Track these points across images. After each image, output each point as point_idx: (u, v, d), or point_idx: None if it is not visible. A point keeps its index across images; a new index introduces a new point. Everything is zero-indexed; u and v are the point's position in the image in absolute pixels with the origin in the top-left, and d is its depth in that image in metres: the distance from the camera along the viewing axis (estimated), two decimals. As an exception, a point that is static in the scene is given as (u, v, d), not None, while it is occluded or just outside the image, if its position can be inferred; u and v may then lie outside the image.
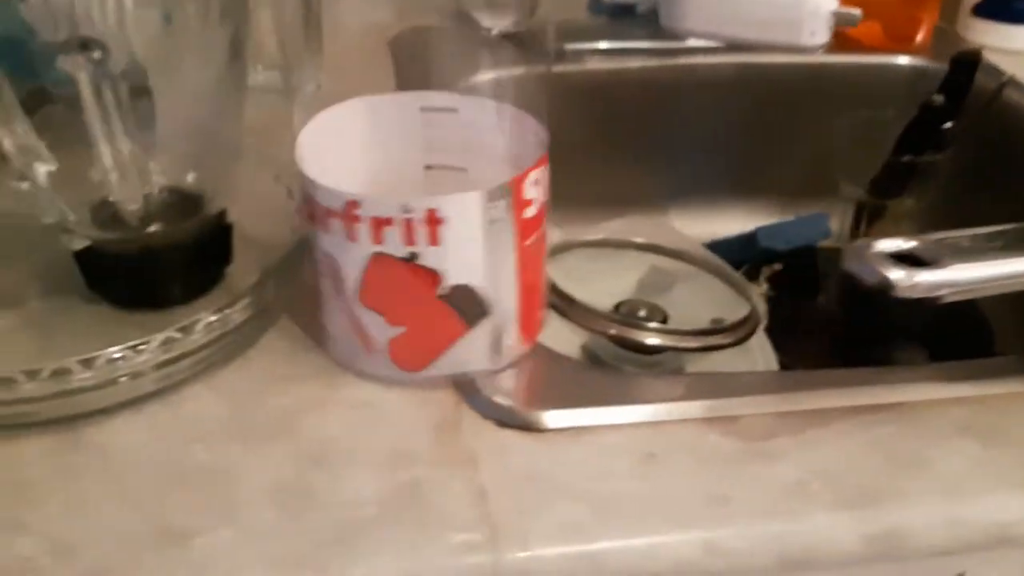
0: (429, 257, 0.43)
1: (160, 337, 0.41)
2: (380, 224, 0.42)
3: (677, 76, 0.81)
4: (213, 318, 0.43)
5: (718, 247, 0.74)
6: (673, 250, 0.70)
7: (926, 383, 0.47)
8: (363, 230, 0.42)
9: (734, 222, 0.83)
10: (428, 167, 0.50)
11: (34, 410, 0.42)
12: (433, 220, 0.42)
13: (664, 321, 0.64)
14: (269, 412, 0.45)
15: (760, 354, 0.67)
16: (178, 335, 0.42)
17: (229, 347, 0.47)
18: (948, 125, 0.73)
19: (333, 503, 0.41)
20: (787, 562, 0.41)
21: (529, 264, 0.46)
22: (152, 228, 0.48)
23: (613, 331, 0.59)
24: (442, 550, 0.39)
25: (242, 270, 0.53)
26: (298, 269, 0.49)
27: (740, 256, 0.76)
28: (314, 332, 0.49)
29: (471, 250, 0.43)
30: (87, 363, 0.41)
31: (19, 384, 0.40)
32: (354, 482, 0.42)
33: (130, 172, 0.44)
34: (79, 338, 0.49)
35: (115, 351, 0.41)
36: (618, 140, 0.81)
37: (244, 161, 0.52)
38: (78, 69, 0.39)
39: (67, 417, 0.44)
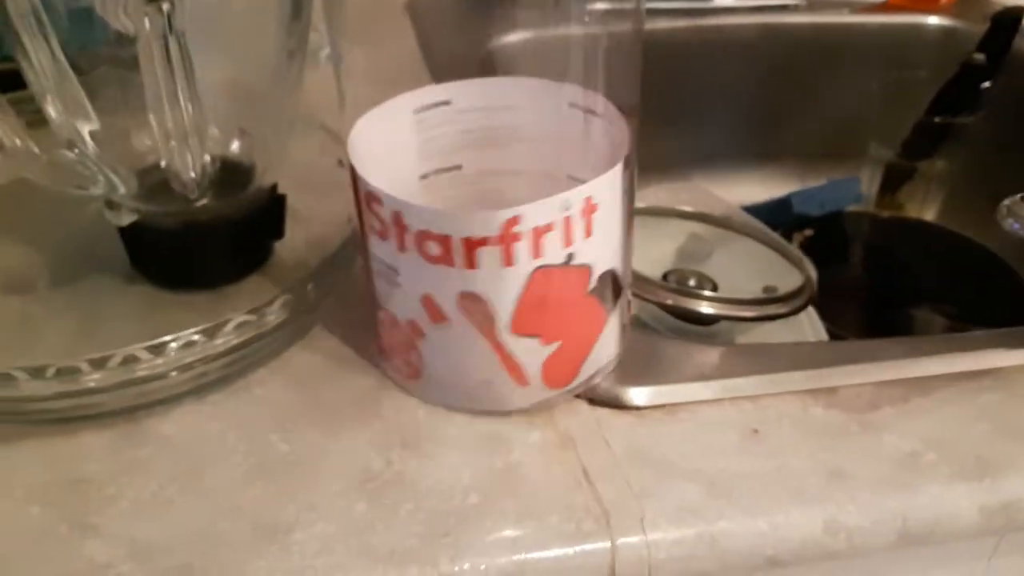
0: (584, 253, 0.38)
1: (237, 319, 0.38)
2: (540, 234, 0.36)
3: (703, 37, 0.78)
4: (285, 297, 0.40)
5: (749, 213, 0.72)
6: (713, 216, 0.68)
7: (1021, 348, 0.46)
8: (522, 248, 0.36)
9: (760, 187, 0.82)
10: (423, 176, 0.44)
11: (97, 402, 0.38)
12: (589, 209, 0.37)
13: (715, 290, 0.62)
14: (344, 395, 0.42)
15: (808, 322, 0.65)
16: (252, 317, 0.39)
17: (294, 328, 0.43)
18: (986, 85, 0.71)
19: (430, 492, 0.38)
20: (908, 537, 0.39)
21: (631, 230, 0.43)
22: (203, 201, 0.44)
23: (669, 300, 0.57)
24: (555, 538, 0.37)
25: (290, 246, 0.50)
26: (355, 256, 0.45)
27: (772, 222, 0.74)
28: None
29: (614, 231, 0.39)
30: (157, 350, 0.37)
31: (84, 375, 0.36)
32: (448, 469, 0.39)
33: (190, 138, 0.40)
34: (125, 321, 0.45)
35: (191, 334, 0.37)
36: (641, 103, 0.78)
37: (300, 133, 0.48)
38: (143, 21, 0.35)
39: (126, 409, 0.41)
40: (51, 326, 0.44)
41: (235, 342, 0.39)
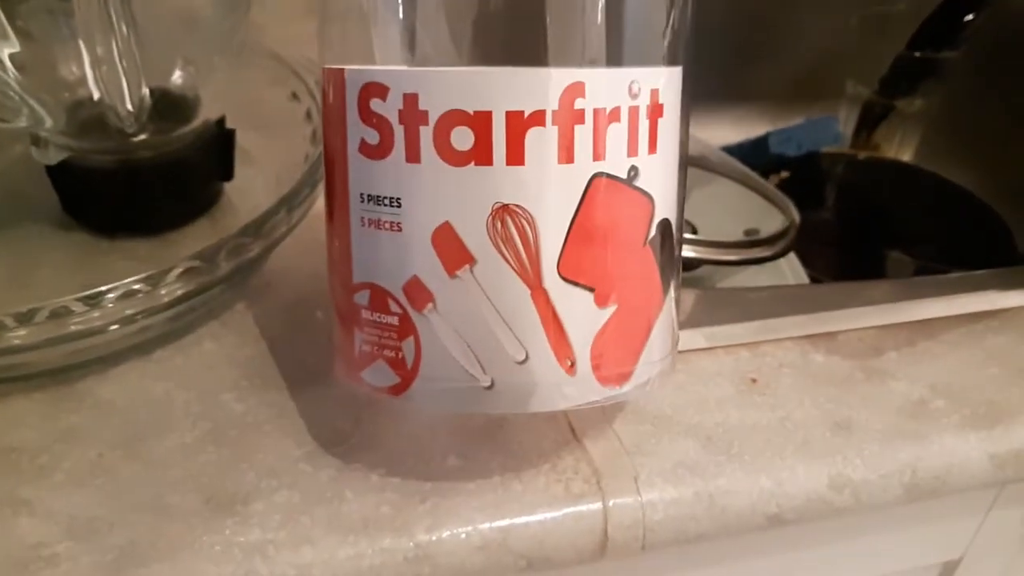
0: (648, 174, 0.29)
1: (183, 266, 0.34)
2: (605, 121, 0.28)
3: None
4: (236, 241, 0.35)
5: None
6: (689, 156, 0.65)
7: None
8: (583, 138, 0.28)
9: (733, 127, 0.78)
10: None
11: (25, 361, 0.34)
12: (656, 110, 0.29)
13: (695, 233, 0.59)
14: (304, 349, 0.38)
15: (788, 267, 0.63)
16: (199, 263, 0.34)
17: (247, 278, 0.39)
18: (970, 18, 0.68)
19: (404, 454, 0.35)
20: (915, 491, 0.36)
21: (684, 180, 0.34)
22: (142, 137, 0.40)
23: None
24: (543, 501, 0.33)
25: (240, 188, 0.46)
26: (309, 197, 0.41)
27: (748, 163, 0.71)
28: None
29: (672, 161, 0.31)
30: (91, 301, 0.33)
31: (8, 330, 0.32)
32: (424, 427, 0.36)
33: (126, 64, 0.35)
34: (59, 271, 0.41)
35: (131, 283, 0.33)
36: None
37: (245, 63, 0.44)
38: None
39: (60, 369, 0.36)
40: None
41: (181, 292, 0.34)
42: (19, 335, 0.32)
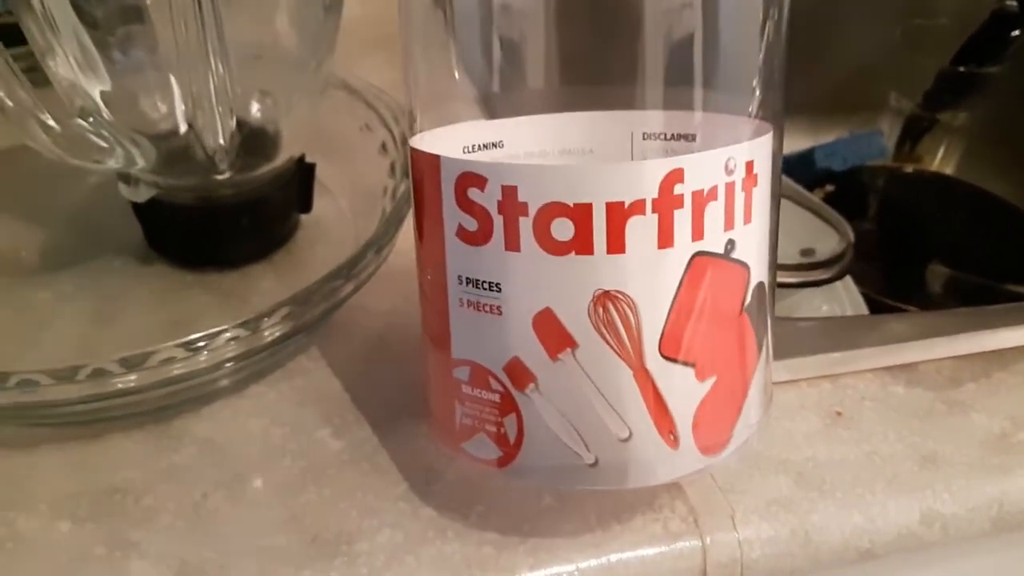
0: (744, 244, 0.30)
1: (280, 313, 0.34)
2: (703, 202, 0.28)
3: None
4: (327, 288, 0.36)
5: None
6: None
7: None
8: (682, 221, 0.28)
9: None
10: None
11: (127, 403, 0.35)
12: (751, 181, 0.29)
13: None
14: (394, 382, 0.39)
15: (843, 289, 0.63)
16: (295, 308, 0.35)
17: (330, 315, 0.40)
18: (1016, 33, 0.69)
19: (500, 493, 0.35)
20: (1002, 524, 0.37)
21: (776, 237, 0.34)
22: (225, 174, 0.40)
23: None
24: (642, 539, 0.34)
25: (316, 218, 0.46)
26: (395, 236, 0.41)
27: (795, 176, 0.71)
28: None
29: (766, 225, 0.31)
30: (191, 347, 0.33)
31: (114, 376, 0.32)
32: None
33: (219, 102, 0.36)
34: (144, 306, 0.41)
35: (226, 330, 0.33)
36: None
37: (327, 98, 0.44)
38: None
39: (157, 408, 0.37)
40: (62, 314, 0.40)
41: (279, 334, 0.35)
42: (127, 380, 0.33)
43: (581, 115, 0.33)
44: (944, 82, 0.73)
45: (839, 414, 0.39)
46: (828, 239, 0.59)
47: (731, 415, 0.32)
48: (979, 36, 0.70)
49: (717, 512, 0.35)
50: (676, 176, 0.28)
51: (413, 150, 0.31)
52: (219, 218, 0.41)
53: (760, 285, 0.32)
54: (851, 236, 0.58)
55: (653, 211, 0.28)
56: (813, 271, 0.55)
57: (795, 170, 0.73)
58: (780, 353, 0.41)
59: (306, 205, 0.44)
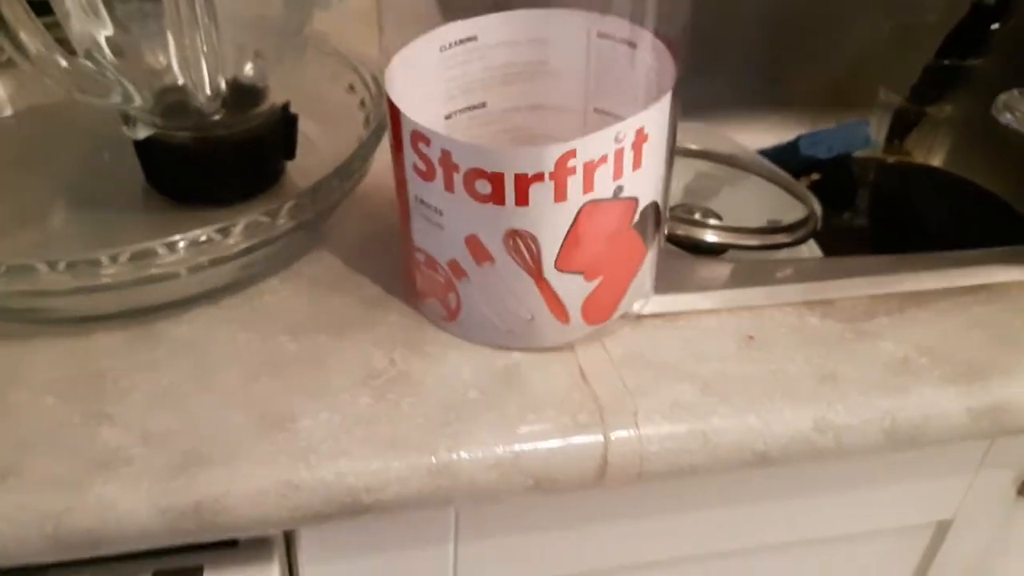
0: (632, 185, 0.38)
1: (245, 220, 0.39)
2: (593, 168, 0.36)
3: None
4: (295, 202, 0.41)
5: (757, 156, 0.73)
6: (719, 154, 0.69)
7: (1020, 265, 0.46)
8: (575, 183, 0.36)
9: (767, 133, 0.82)
10: (447, 116, 0.43)
11: (112, 300, 0.40)
12: (640, 141, 0.37)
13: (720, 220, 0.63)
14: (351, 303, 0.44)
15: (808, 253, 0.66)
16: (265, 219, 0.40)
17: (302, 239, 0.45)
18: (996, 26, 0.71)
19: (431, 388, 0.39)
20: (895, 436, 0.40)
21: (672, 162, 0.41)
22: (217, 117, 0.46)
23: (679, 231, 0.58)
24: (549, 430, 0.38)
25: (301, 168, 0.51)
26: (362, 170, 0.46)
27: (781, 164, 0.75)
28: (384, 229, 0.46)
29: (659, 163, 0.39)
30: (170, 246, 0.38)
31: (101, 267, 0.38)
32: (450, 367, 0.40)
33: (207, 57, 0.42)
34: (142, 233, 0.46)
35: (200, 233, 0.39)
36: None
37: (310, 60, 0.50)
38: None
39: (140, 310, 0.42)
40: (68, 233, 0.46)
41: (244, 245, 0.40)
42: (110, 272, 0.38)
43: (546, 11, 0.41)
44: (929, 76, 0.76)
45: (751, 338, 0.42)
46: (797, 213, 0.62)
47: (614, 301, 0.41)
48: (961, 29, 0.72)
49: (622, 411, 0.39)
50: (569, 155, 0.36)
51: (387, 100, 0.38)
52: (211, 157, 0.47)
53: (651, 205, 0.39)
54: (816, 207, 0.61)
55: (550, 179, 0.36)
56: (775, 235, 0.59)
57: (781, 158, 0.76)
58: (705, 287, 0.45)
59: (290, 151, 0.49)
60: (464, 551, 0.43)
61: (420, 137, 0.37)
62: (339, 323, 0.42)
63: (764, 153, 0.78)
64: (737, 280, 0.46)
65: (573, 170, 0.36)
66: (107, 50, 0.42)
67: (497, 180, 0.36)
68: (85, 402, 0.38)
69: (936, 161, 0.80)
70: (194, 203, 0.48)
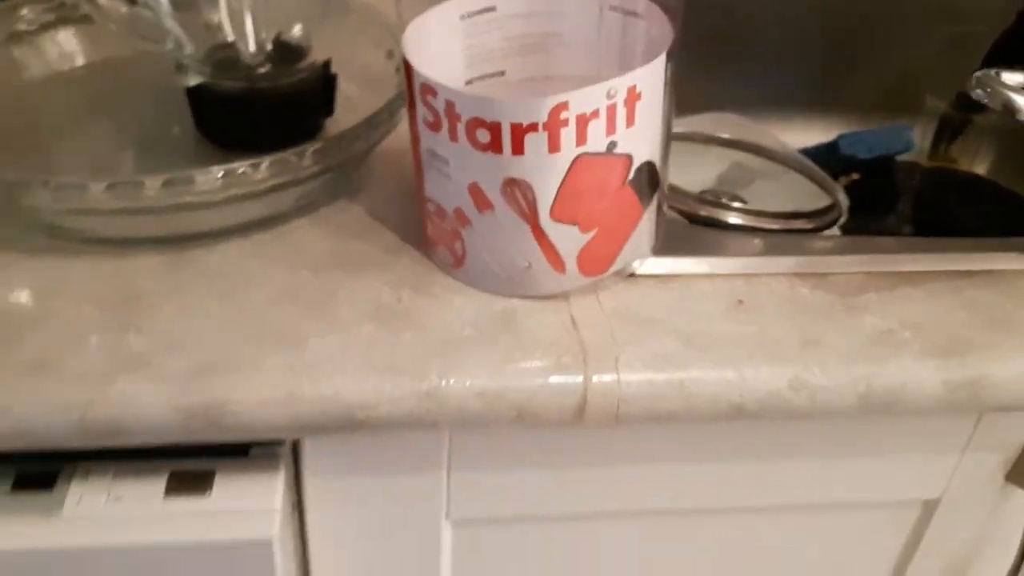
0: (626, 142, 0.40)
1: (274, 157, 0.43)
2: (585, 121, 0.39)
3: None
4: (319, 145, 0.45)
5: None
6: (755, 145, 0.71)
7: (1017, 252, 0.47)
8: (568, 135, 0.39)
9: (810, 133, 0.83)
10: (468, 82, 0.47)
11: (151, 223, 0.44)
12: (633, 98, 0.39)
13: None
14: (370, 247, 0.47)
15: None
16: (292, 158, 0.44)
17: (330, 186, 0.48)
18: (1043, 35, 0.71)
19: (431, 325, 0.42)
20: (869, 403, 0.41)
21: (671, 125, 0.44)
22: (262, 71, 0.50)
23: (702, 212, 0.60)
24: (535, 368, 0.40)
25: (338, 126, 0.55)
26: (388, 124, 0.50)
27: (821, 163, 0.76)
28: (408, 187, 0.50)
29: (655, 123, 0.42)
30: (206, 175, 0.42)
31: (144, 189, 0.42)
32: (451, 308, 0.43)
33: (253, 14, 0.46)
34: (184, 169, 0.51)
35: (235, 167, 0.43)
36: (692, 42, 0.80)
37: (350, 26, 0.54)
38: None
39: (176, 237, 0.46)
40: (119, 170, 0.51)
41: (273, 182, 0.44)
42: (151, 193, 0.42)
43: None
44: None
45: (741, 302, 0.44)
46: (820, 201, 0.64)
47: (609, 255, 0.43)
48: (1008, 37, 0.73)
49: (606, 357, 0.41)
50: (562, 107, 0.38)
51: (403, 57, 0.42)
52: (256, 107, 0.51)
53: (646, 164, 0.42)
54: (840, 199, 0.63)
55: (544, 130, 0.39)
56: (794, 220, 0.60)
57: (822, 157, 0.77)
58: (702, 252, 0.47)
59: (329, 108, 0.53)
60: (456, 479, 0.46)
61: (428, 89, 0.40)
62: (356, 263, 0.46)
63: (805, 151, 0.79)
64: (734, 248, 0.48)
65: (566, 122, 0.38)
66: (164, 1, 0.47)
67: (495, 129, 0.39)
68: (118, 312, 0.42)
69: (981, 169, 0.80)
70: (237, 150, 0.52)
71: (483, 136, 0.39)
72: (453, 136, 0.40)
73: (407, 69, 0.42)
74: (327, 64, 0.52)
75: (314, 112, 0.53)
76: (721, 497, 0.49)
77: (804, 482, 0.48)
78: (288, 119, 0.52)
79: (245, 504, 0.41)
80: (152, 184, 0.42)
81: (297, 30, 0.52)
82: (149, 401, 0.39)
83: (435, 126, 0.41)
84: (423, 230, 0.46)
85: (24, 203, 0.43)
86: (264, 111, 0.51)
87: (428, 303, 0.44)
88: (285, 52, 0.52)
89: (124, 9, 0.46)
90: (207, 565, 0.41)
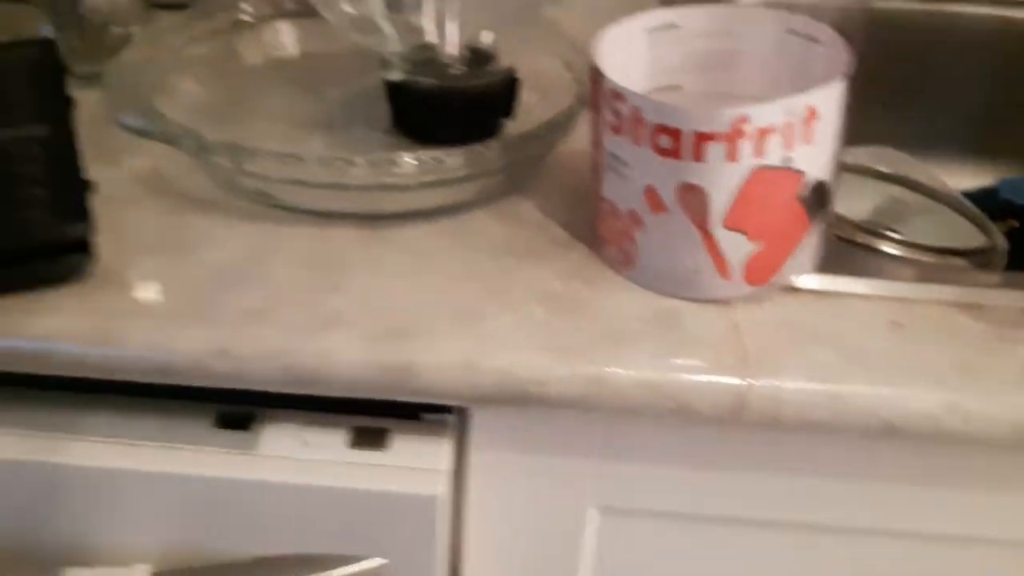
0: (801, 159, 0.43)
1: (466, 148, 0.48)
2: (764, 134, 0.41)
3: (937, 23, 0.80)
4: (507, 141, 0.49)
5: (957, 196, 0.74)
6: (915, 181, 0.71)
7: None
8: (746, 146, 0.41)
9: (972, 178, 0.83)
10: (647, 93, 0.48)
11: (355, 199, 0.49)
12: (811, 118, 0.42)
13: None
14: (543, 238, 0.51)
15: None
16: (483, 151, 0.48)
17: (510, 182, 0.52)
18: None
19: (598, 314, 0.46)
20: (1022, 435, 0.42)
21: (842, 148, 0.46)
22: (456, 72, 0.54)
23: (859, 239, 0.61)
24: (698, 365, 0.43)
25: (518, 130, 0.59)
26: (566, 127, 0.53)
27: (979, 207, 0.76)
28: (580, 189, 0.53)
29: (829, 144, 0.44)
30: (406, 158, 0.47)
31: (352, 166, 0.47)
32: (618, 302, 0.46)
33: (452, 21, 0.51)
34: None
35: (432, 153, 0.47)
36: (859, 79, 0.81)
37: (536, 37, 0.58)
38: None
39: (374, 216, 0.51)
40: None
41: (464, 172, 0.48)
42: (357, 173, 0.47)
43: (744, 8, 0.48)
44: None
45: (899, 324, 0.46)
46: (976, 242, 0.64)
47: (774, 266, 0.46)
48: None
49: (766, 361, 0.43)
50: (743, 119, 0.41)
51: (592, 64, 0.45)
52: (447, 105, 0.55)
53: (819, 182, 0.44)
54: (998, 241, 0.63)
55: (724, 140, 0.41)
56: (952, 258, 0.61)
57: (981, 200, 0.77)
58: (866, 274, 0.49)
59: (510, 110, 0.57)
60: (606, 468, 0.49)
61: (616, 95, 0.43)
62: (529, 252, 0.50)
63: (964, 194, 0.79)
64: (892, 274, 0.49)
65: (744, 134, 0.41)
66: (379, 1, 0.52)
67: (677, 136, 0.42)
68: (324, 275, 0.47)
69: None
70: (425, 143, 0.57)
71: (665, 142, 0.42)
72: (636, 140, 0.43)
73: (595, 75, 0.45)
74: (512, 71, 0.56)
75: (497, 113, 0.57)
76: (872, 518, 0.49)
77: (954, 514, 0.49)
78: (474, 118, 0.56)
79: (417, 462, 0.45)
80: (360, 162, 0.47)
81: (487, 36, 0.57)
82: (347, 355, 0.43)
83: (618, 130, 0.44)
84: (595, 228, 0.49)
85: (248, 169, 0.48)
86: (454, 109, 0.56)
87: (596, 295, 0.47)
88: (476, 56, 0.56)
89: (348, 8, 0.51)
90: (378, 513, 0.45)
